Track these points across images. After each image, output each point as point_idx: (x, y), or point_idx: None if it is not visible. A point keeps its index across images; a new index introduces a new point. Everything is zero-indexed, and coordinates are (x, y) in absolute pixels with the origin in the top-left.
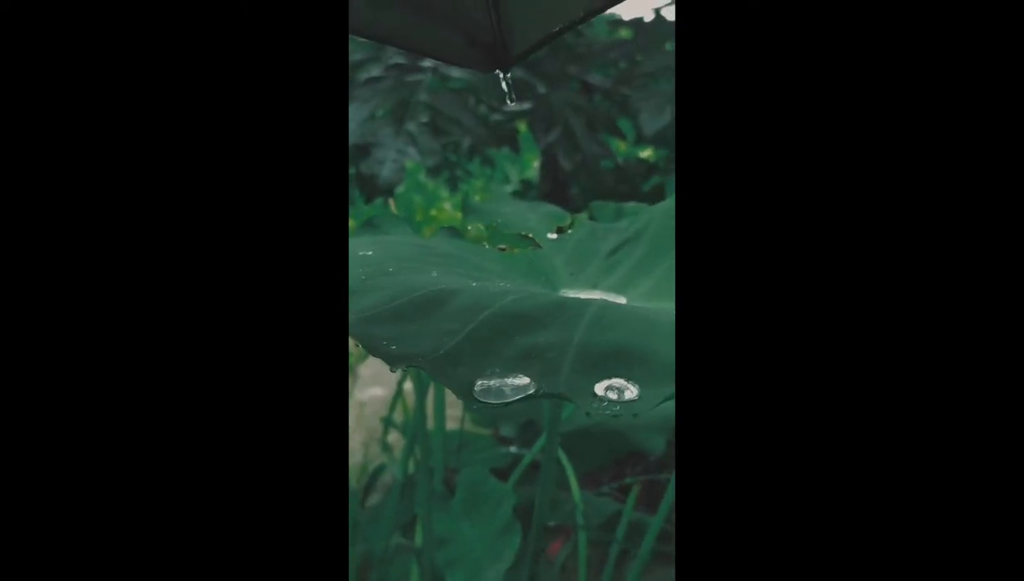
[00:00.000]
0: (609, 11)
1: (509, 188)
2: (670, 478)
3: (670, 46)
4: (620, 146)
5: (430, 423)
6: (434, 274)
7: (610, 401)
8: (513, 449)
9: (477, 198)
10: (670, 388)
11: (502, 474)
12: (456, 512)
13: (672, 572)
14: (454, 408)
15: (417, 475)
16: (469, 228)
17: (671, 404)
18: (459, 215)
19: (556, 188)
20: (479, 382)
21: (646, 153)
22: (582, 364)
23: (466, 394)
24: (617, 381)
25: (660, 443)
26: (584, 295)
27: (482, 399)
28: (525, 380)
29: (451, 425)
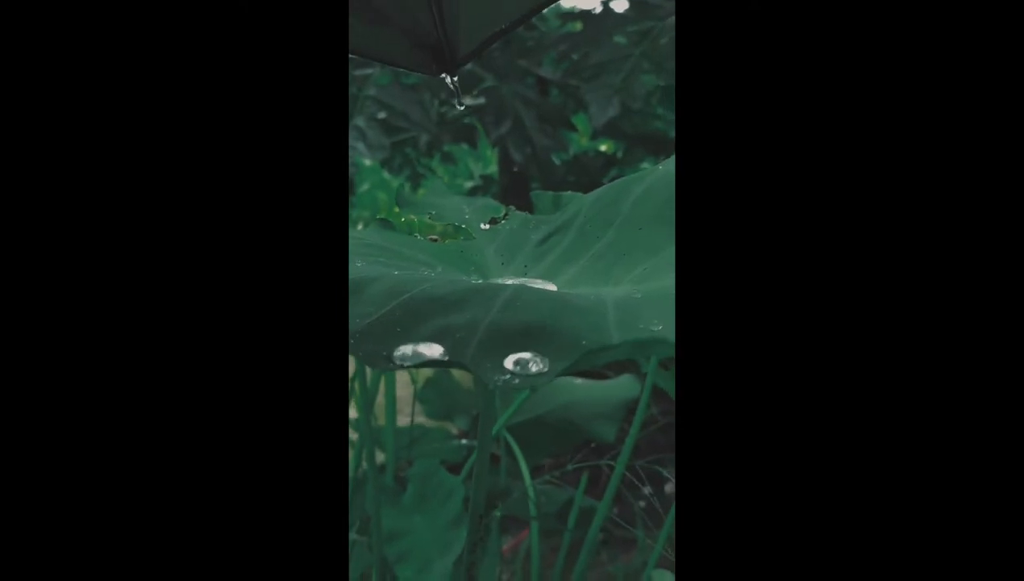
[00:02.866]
0: (562, 3)
1: (470, 184)
2: (613, 464)
3: (619, 38)
4: (581, 140)
5: (380, 420)
6: (359, 264)
7: (513, 374)
8: (465, 442)
9: (408, 190)
10: (570, 359)
11: (456, 468)
12: (408, 506)
13: (623, 556)
14: (406, 403)
15: (368, 472)
16: (403, 220)
17: (623, 393)
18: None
19: (514, 182)
20: (398, 348)
21: (605, 146)
22: (490, 342)
23: (373, 363)
24: (524, 355)
25: (611, 432)
26: (510, 282)
27: (399, 362)
28: (438, 349)
29: (404, 420)
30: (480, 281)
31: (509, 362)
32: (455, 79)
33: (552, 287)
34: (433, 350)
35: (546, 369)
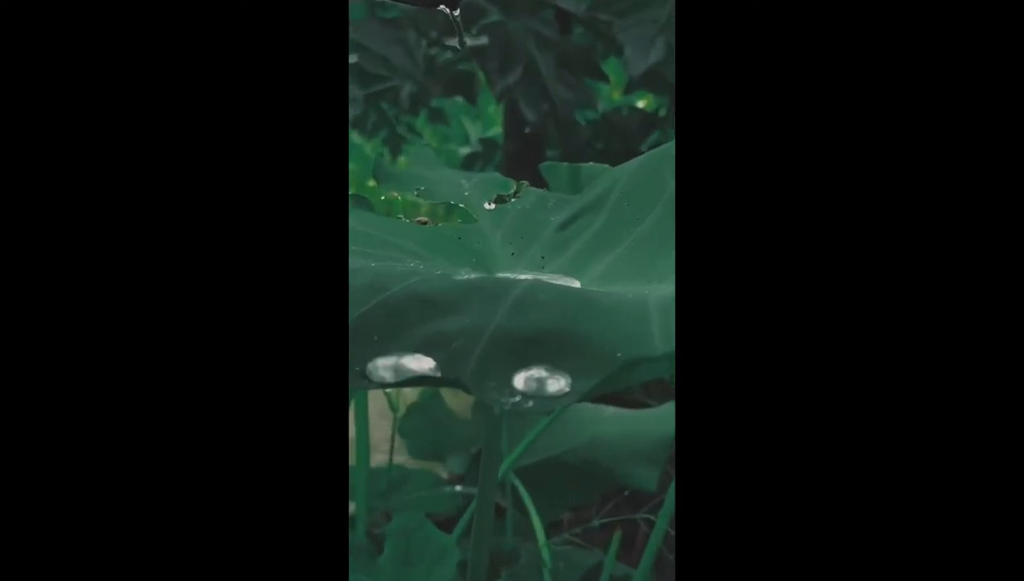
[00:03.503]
0: None
1: (466, 150)
2: (653, 519)
3: None
4: (613, 94)
5: (351, 459)
6: None
7: (524, 395)
8: (459, 488)
9: (387, 159)
10: (600, 377)
11: (448, 523)
12: (385, 571)
13: None
14: (383, 438)
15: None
16: (383, 197)
17: (667, 426)
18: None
19: (525, 149)
20: (376, 360)
21: (643, 101)
22: (496, 353)
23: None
24: (539, 371)
25: (652, 478)
26: (523, 277)
27: (374, 379)
28: (428, 362)
29: (380, 459)
30: (483, 276)
31: (519, 380)
32: (456, 13)
33: (575, 283)
34: (422, 364)
35: (568, 389)
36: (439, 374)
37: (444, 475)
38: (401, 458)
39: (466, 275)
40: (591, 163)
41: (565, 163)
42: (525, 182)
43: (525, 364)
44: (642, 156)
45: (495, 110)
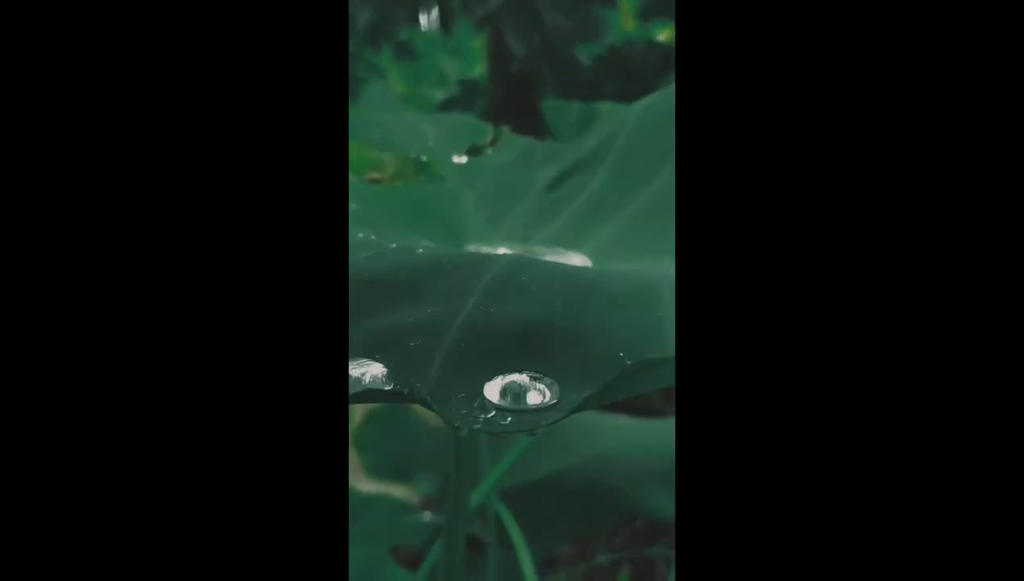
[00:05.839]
0: None
1: (441, 93)
2: (670, 555)
3: None
4: (624, 23)
5: None
6: None
7: (500, 410)
8: (430, 517)
9: None
10: (597, 383)
11: (416, 559)
12: None
13: None
14: None
15: None
16: None
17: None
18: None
19: (513, 92)
20: None
21: (664, 33)
22: (466, 355)
23: None
24: (519, 379)
25: (671, 504)
26: (502, 252)
27: None
28: (377, 369)
29: None
30: (452, 251)
31: (493, 390)
32: None
33: (584, 260)
34: (368, 370)
35: (556, 400)
36: (390, 385)
37: (412, 499)
38: (357, 479)
39: (430, 249)
40: (610, 102)
41: (576, 102)
42: (505, 128)
43: (502, 369)
44: (653, 97)
45: (476, 44)
